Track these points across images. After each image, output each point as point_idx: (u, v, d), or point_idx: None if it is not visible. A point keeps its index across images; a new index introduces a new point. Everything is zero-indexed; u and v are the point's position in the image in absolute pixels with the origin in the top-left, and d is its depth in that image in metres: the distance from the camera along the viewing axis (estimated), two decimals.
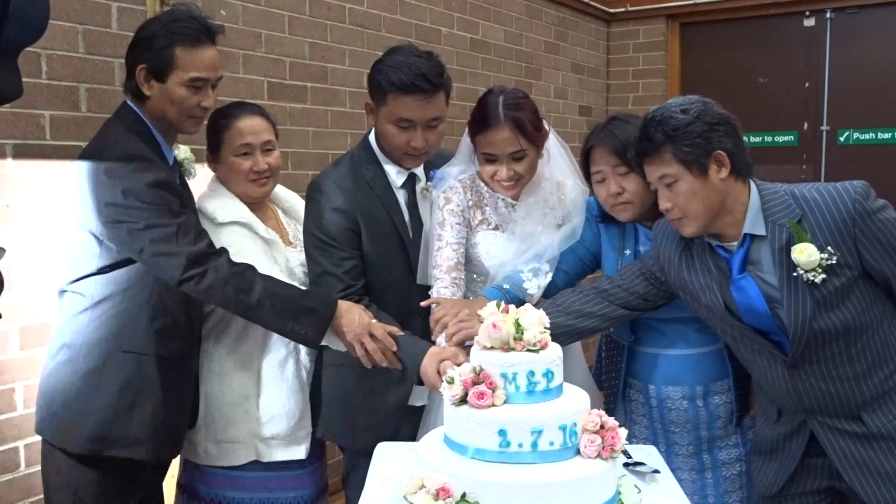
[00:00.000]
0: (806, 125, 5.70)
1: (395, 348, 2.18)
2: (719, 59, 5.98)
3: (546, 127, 2.36)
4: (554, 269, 2.35)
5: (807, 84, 5.69)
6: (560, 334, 2.05)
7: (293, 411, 2.32)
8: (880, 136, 5.47)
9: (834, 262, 1.86)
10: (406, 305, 2.36)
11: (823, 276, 1.86)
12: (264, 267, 2.21)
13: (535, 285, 2.30)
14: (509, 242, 2.38)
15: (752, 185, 1.99)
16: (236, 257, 2.17)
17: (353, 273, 2.27)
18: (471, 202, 2.39)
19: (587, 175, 2.35)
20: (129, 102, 2.16)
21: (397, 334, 2.19)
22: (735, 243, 1.99)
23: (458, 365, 2.04)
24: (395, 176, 2.36)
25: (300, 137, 3.79)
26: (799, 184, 1.99)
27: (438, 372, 2.08)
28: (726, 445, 2.31)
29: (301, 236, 2.42)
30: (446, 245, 2.33)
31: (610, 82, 6.33)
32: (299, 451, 2.34)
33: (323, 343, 2.19)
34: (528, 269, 2.31)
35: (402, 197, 2.38)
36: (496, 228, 2.40)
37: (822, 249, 1.86)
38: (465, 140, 2.38)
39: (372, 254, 2.31)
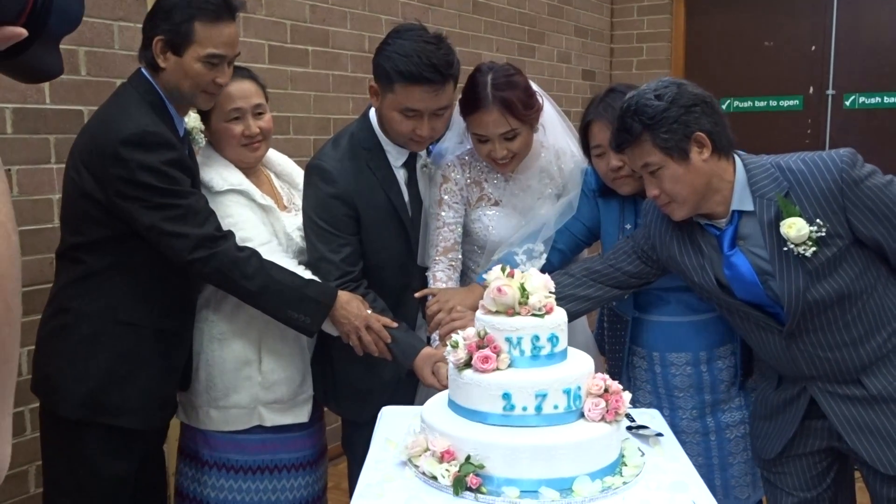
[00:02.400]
0: (811, 89, 5.65)
1: (388, 340, 2.21)
2: (724, 22, 5.92)
3: (539, 101, 2.32)
4: (549, 249, 2.34)
5: (813, 48, 5.63)
6: None
7: (294, 376, 2.33)
8: (886, 100, 5.42)
9: (824, 234, 1.84)
10: (404, 283, 2.37)
11: (814, 248, 1.85)
12: (263, 238, 2.22)
13: (528, 267, 2.28)
14: (509, 217, 2.38)
15: (737, 159, 1.97)
16: (235, 228, 2.17)
17: (350, 259, 2.27)
18: (469, 180, 2.39)
19: (586, 148, 2.32)
20: (143, 70, 2.13)
21: (392, 327, 2.22)
22: (724, 221, 1.97)
23: None
24: (396, 156, 2.33)
25: (302, 102, 3.76)
26: (785, 155, 1.96)
27: (433, 372, 2.14)
28: (730, 408, 2.32)
29: (296, 201, 2.42)
30: (444, 225, 2.34)
31: (614, 46, 6.26)
32: (301, 415, 2.35)
33: None
34: (523, 250, 2.31)
35: (401, 176, 2.36)
36: (496, 204, 2.40)
37: (810, 222, 1.84)
38: (456, 115, 2.35)
39: (370, 235, 2.30)
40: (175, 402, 2.32)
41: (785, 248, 1.88)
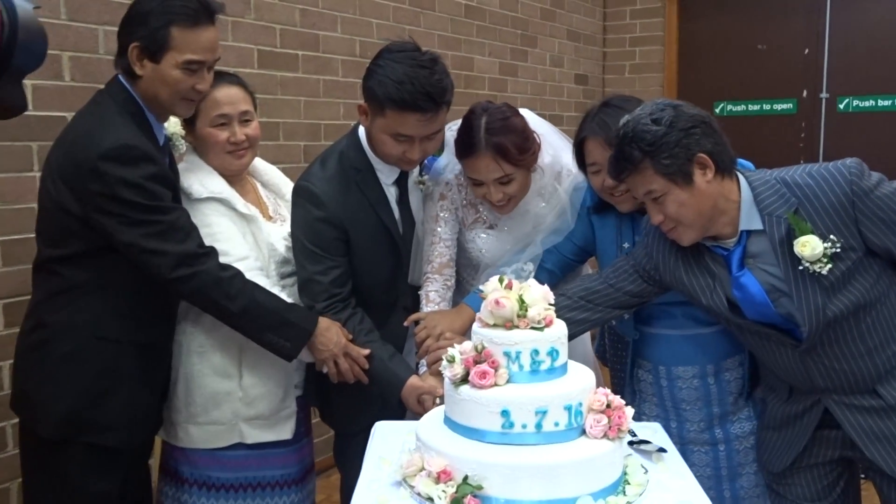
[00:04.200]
0: (805, 93, 5.63)
1: (366, 367, 2.19)
2: (718, 25, 5.89)
3: (537, 141, 2.26)
4: (537, 268, 2.30)
5: (806, 51, 5.60)
6: None
7: (276, 391, 2.26)
8: (880, 103, 5.41)
9: (838, 249, 1.80)
10: (392, 300, 2.33)
11: (829, 265, 1.80)
12: (241, 252, 2.16)
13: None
14: (504, 241, 2.34)
15: (741, 178, 1.92)
16: (211, 239, 2.11)
17: (338, 281, 2.23)
18: (465, 201, 2.35)
19: (581, 164, 2.23)
20: (120, 78, 2.06)
21: (367, 361, 2.20)
22: (732, 241, 1.92)
23: (438, 397, 2.05)
24: (387, 174, 2.28)
25: (292, 107, 3.70)
26: (788, 168, 1.91)
27: (419, 401, 2.12)
28: (738, 419, 2.26)
29: (282, 211, 2.37)
30: (440, 241, 2.30)
31: (607, 50, 6.23)
32: (284, 431, 2.28)
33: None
34: (511, 269, 2.27)
35: (392, 194, 2.30)
36: (491, 227, 2.36)
37: (823, 238, 1.80)
38: (452, 140, 2.29)
39: (360, 256, 2.26)
40: (159, 415, 2.25)
41: (800, 267, 1.82)
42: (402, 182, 2.31)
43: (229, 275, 2.06)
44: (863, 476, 2.12)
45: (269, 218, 2.34)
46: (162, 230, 1.98)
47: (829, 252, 1.79)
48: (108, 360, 2.05)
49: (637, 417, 1.64)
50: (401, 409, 2.29)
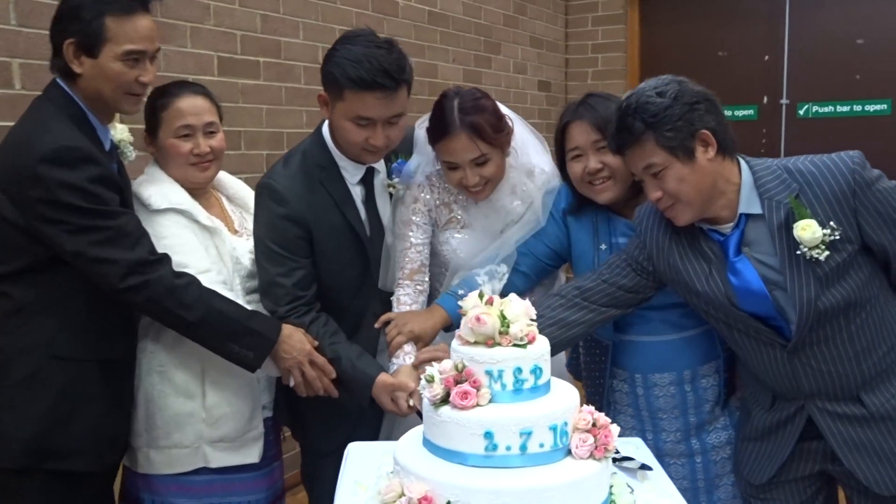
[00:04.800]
0: (766, 99, 5.68)
1: (333, 376, 2.11)
2: (679, 32, 5.92)
3: (509, 124, 2.24)
4: (511, 270, 2.25)
5: (766, 57, 5.65)
6: None
7: (242, 410, 2.17)
8: (839, 109, 5.47)
9: (837, 237, 1.78)
10: (362, 306, 2.26)
11: (826, 252, 1.78)
12: (202, 265, 2.07)
13: (489, 289, 2.19)
14: (478, 240, 2.29)
15: (742, 162, 1.90)
16: (170, 251, 2.02)
17: (302, 283, 2.16)
18: (438, 201, 2.30)
19: (561, 153, 2.22)
20: (58, 81, 1.96)
21: (336, 358, 2.13)
22: (729, 226, 1.89)
23: (409, 391, 2.01)
24: (352, 172, 2.22)
25: (253, 115, 3.61)
26: (790, 157, 1.91)
27: (392, 399, 2.06)
28: (714, 429, 2.24)
29: (248, 225, 2.29)
30: (411, 246, 2.25)
31: (569, 56, 6.23)
32: (251, 454, 2.19)
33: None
34: (485, 271, 2.22)
35: (358, 194, 2.24)
36: (465, 227, 2.31)
37: (823, 225, 1.78)
38: (422, 139, 2.26)
39: (326, 257, 2.19)
40: (127, 436, 2.14)
41: (797, 252, 1.80)
42: (367, 182, 2.26)
43: (184, 282, 1.97)
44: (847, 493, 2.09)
45: (235, 232, 2.25)
46: (109, 237, 1.88)
47: (827, 239, 1.78)
48: (69, 381, 1.95)
49: None
50: (375, 428, 2.22)
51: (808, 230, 1.77)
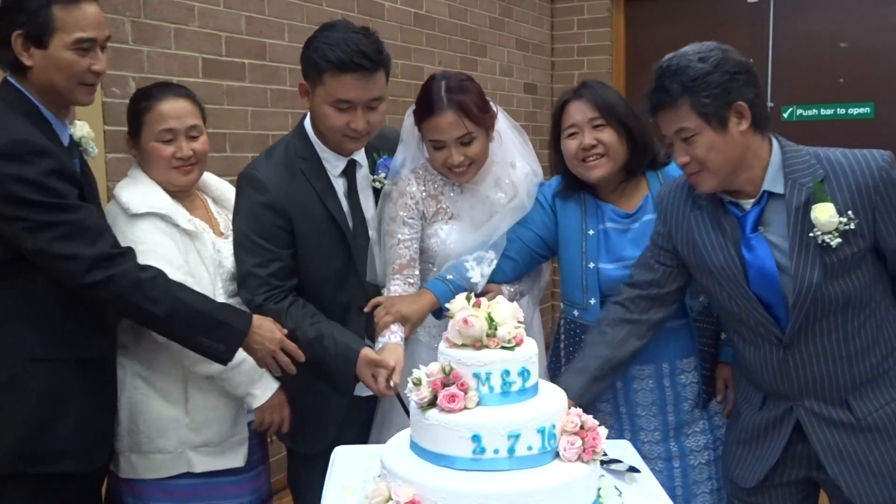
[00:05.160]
0: None
1: (302, 360, 2.10)
2: (664, 35, 5.91)
3: (493, 108, 2.28)
4: (500, 256, 2.28)
5: (751, 60, 5.63)
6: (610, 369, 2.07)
7: (225, 415, 2.15)
8: (823, 112, 5.49)
9: (853, 227, 1.79)
10: (347, 300, 2.25)
11: (839, 239, 1.79)
12: (177, 275, 2.03)
13: (478, 273, 2.24)
14: (466, 231, 2.30)
15: (774, 140, 1.91)
16: (147, 255, 1.99)
17: (279, 274, 2.15)
18: (425, 193, 2.30)
19: (557, 134, 2.26)
20: (9, 78, 1.93)
21: (318, 336, 2.12)
22: (749, 202, 1.90)
23: (390, 369, 1.99)
24: (334, 164, 2.23)
25: (238, 118, 3.59)
26: (822, 147, 1.91)
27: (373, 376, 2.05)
28: (693, 432, 2.25)
29: None
30: (399, 242, 2.25)
31: (555, 59, 6.23)
32: (235, 459, 2.17)
33: None
34: (473, 256, 2.25)
35: (340, 186, 2.25)
36: (452, 218, 2.31)
37: (841, 213, 1.79)
38: (409, 128, 2.29)
39: (308, 249, 2.18)
40: (113, 434, 2.11)
41: (810, 235, 1.81)
42: (350, 176, 2.26)
43: (150, 275, 1.94)
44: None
45: (221, 234, 2.23)
46: (69, 231, 1.85)
47: (842, 227, 1.78)
48: (50, 383, 1.92)
49: None
50: (361, 432, 2.20)
51: (825, 213, 1.78)
